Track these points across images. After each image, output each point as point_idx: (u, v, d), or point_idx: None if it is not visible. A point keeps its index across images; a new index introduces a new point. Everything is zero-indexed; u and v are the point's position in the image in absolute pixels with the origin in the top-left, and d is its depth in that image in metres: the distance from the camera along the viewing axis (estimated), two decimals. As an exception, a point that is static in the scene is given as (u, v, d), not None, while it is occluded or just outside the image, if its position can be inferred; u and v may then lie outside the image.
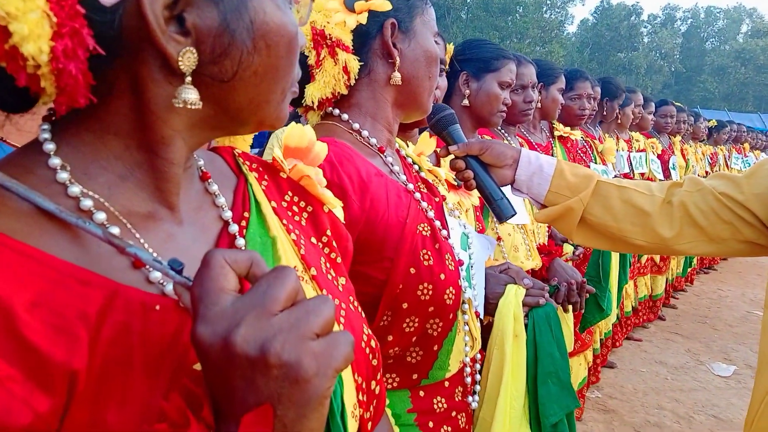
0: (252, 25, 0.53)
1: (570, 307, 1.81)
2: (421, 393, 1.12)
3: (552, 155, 2.72)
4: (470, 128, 1.92)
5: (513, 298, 1.23)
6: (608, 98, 3.72)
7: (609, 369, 4.16)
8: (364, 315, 0.75)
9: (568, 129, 2.81)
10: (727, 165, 7.00)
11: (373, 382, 0.73)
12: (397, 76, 1.07)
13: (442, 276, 1.05)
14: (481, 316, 1.19)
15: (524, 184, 1.31)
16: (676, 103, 5.39)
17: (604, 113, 3.73)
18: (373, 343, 0.72)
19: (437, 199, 1.19)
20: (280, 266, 0.47)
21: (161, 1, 0.48)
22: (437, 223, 1.11)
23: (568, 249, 2.23)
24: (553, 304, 1.27)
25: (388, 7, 1.03)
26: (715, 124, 6.95)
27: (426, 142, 1.31)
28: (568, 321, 2.35)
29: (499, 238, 1.85)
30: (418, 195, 1.12)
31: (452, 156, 1.29)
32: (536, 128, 2.69)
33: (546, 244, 2.10)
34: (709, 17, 49.96)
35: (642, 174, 4.26)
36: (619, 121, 3.92)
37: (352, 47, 1.04)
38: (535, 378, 1.23)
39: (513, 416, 1.18)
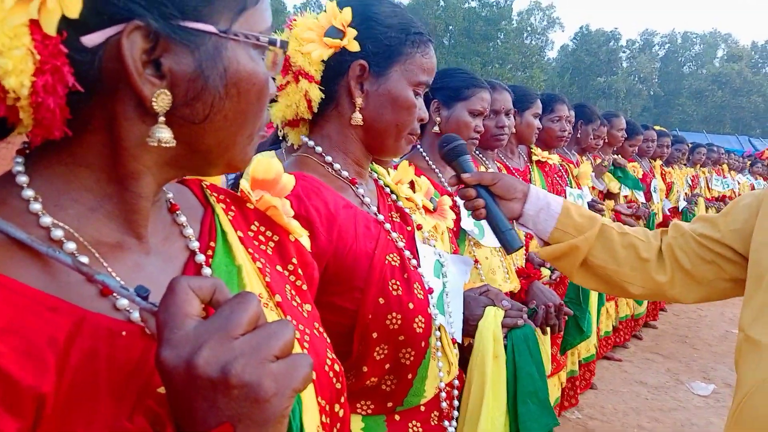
0: (225, 73, 0.56)
1: (548, 329, 1.84)
2: (397, 417, 1.14)
3: (530, 180, 2.78)
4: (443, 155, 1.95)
5: (492, 319, 1.25)
6: (582, 121, 3.79)
7: (589, 390, 4.19)
8: (329, 341, 0.78)
9: (545, 153, 2.87)
10: (708, 187, 7.12)
11: (337, 405, 0.75)
12: (357, 117, 1.10)
13: (411, 305, 1.07)
14: (459, 340, 1.21)
15: (531, 219, 1.32)
16: (658, 128, 5.51)
17: (578, 137, 3.80)
18: (336, 367, 0.74)
19: (409, 228, 1.21)
20: (243, 292, 0.49)
21: (140, 46, 0.51)
22: (407, 252, 1.14)
23: (545, 272, 2.27)
24: (531, 326, 1.29)
25: (356, 48, 1.06)
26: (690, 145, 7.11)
27: (404, 171, 1.33)
28: (545, 344, 2.38)
29: (476, 261, 1.88)
30: (388, 225, 1.15)
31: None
32: (514, 153, 2.73)
33: (524, 267, 2.13)
34: (686, 42, 51.12)
35: (625, 196, 4.34)
36: (591, 143, 4.00)
37: (321, 78, 1.08)
38: (515, 398, 1.26)
39: None
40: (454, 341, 1.21)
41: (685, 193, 5.93)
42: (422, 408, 1.16)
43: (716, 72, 44.71)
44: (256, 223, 0.76)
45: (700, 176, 6.90)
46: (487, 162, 2.35)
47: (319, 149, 1.14)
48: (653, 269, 1.30)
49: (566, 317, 2.21)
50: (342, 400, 0.76)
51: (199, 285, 0.49)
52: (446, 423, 1.19)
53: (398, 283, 1.08)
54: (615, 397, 4.16)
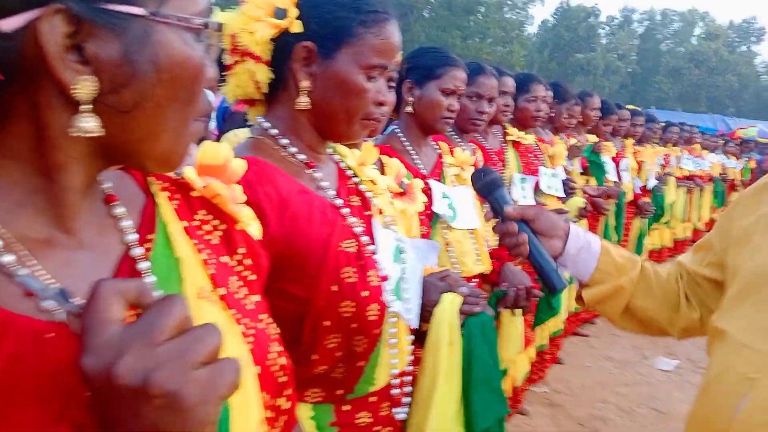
0: (155, 58, 0.53)
1: (518, 311, 1.88)
2: (346, 407, 1.14)
3: (505, 160, 2.80)
4: (419, 135, 1.96)
5: (449, 306, 1.23)
6: (557, 101, 3.81)
7: (556, 364, 4.29)
8: (278, 331, 0.77)
9: (521, 134, 2.89)
10: (679, 166, 7.23)
11: (282, 399, 0.74)
12: (302, 101, 1.06)
13: (365, 293, 1.06)
14: (415, 326, 1.20)
15: (571, 259, 1.26)
16: (631, 107, 5.57)
17: (552, 116, 3.83)
18: (282, 361, 0.73)
19: (368, 213, 1.18)
20: (169, 295, 0.48)
21: (61, 30, 0.48)
22: (364, 238, 1.12)
23: None
24: (489, 313, 1.28)
25: (298, 29, 1.02)
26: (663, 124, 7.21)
27: (368, 152, 1.31)
28: (517, 323, 2.42)
29: (447, 244, 1.89)
30: (346, 210, 1.12)
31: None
32: (488, 133, 2.75)
33: (497, 248, 2.15)
34: (665, 19, 51.29)
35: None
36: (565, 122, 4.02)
37: (271, 58, 1.05)
38: (468, 385, 1.25)
39: (446, 422, 1.21)
40: (411, 330, 1.20)
41: (657, 172, 6.03)
42: (373, 398, 1.16)
43: (693, 50, 45.03)
44: (202, 211, 0.73)
45: (672, 155, 6.99)
46: (461, 143, 2.35)
47: (274, 131, 1.11)
48: (685, 308, 1.25)
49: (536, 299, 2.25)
50: (287, 392, 0.75)
51: (124, 288, 0.47)
52: (396, 409, 1.19)
53: (353, 270, 1.06)
54: (581, 372, 4.27)
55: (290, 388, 0.76)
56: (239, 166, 0.79)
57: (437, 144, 2.06)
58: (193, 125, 0.60)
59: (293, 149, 1.11)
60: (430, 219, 1.87)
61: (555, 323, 3.69)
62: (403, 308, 1.16)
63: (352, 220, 1.12)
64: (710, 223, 9.89)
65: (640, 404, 3.86)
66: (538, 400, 3.81)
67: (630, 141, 5.32)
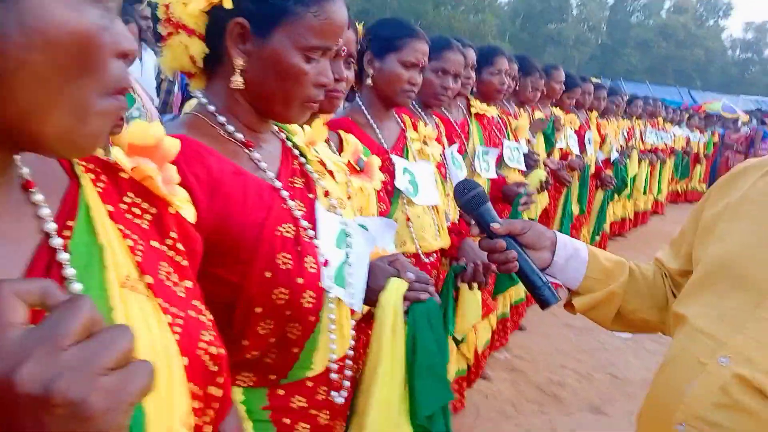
0: (21, 19, 0.47)
1: (476, 286, 1.91)
2: (280, 392, 1.11)
3: (468, 132, 2.84)
4: (381, 108, 1.94)
5: (393, 292, 1.19)
6: (522, 74, 3.84)
7: (519, 331, 4.42)
8: (211, 318, 0.74)
9: (484, 106, 2.91)
10: (642, 139, 7.37)
11: (213, 387, 0.72)
12: (236, 80, 1.01)
13: (300, 280, 1.03)
14: (359, 310, 1.19)
15: (560, 269, 1.25)
16: (594, 79, 5.63)
17: (517, 89, 3.86)
18: (213, 350, 0.70)
19: (312, 196, 1.15)
20: (75, 296, 0.45)
21: None
22: (304, 222, 1.08)
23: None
24: (435, 300, 1.23)
25: (229, 5, 0.97)
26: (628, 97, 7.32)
27: (318, 131, 1.27)
28: (476, 295, 2.45)
29: (408, 219, 1.91)
30: (285, 193, 1.08)
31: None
32: (452, 105, 2.77)
33: (457, 222, 2.18)
34: (636, -9, 51.44)
35: (561, 149, 4.46)
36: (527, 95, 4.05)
37: (207, 32, 1.01)
38: (412, 372, 1.22)
39: (389, 409, 1.19)
40: (353, 312, 1.18)
41: (620, 145, 6.14)
42: (309, 383, 1.13)
43: (662, 23, 45.36)
44: (130, 194, 0.69)
45: (636, 128, 7.12)
46: (425, 117, 2.36)
47: (211, 108, 1.06)
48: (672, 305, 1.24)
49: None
50: (219, 380, 0.73)
51: (25, 289, 0.44)
52: (334, 394, 1.17)
53: (288, 256, 1.02)
54: (543, 339, 4.40)
55: (222, 375, 0.73)
56: (172, 145, 0.75)
57: (401, 118, 2.05)
58: (103, 102, 0.54)
59: (231, 128, 1.06)
60: (391, 195, 1.86)
61: (517, 292, 3.80)
62: (346, 293, 1.13)
63: (291, 203, 1.08)
64: (671, 195, 10.17)
65: (597, 370, 4.01)
66: (500, 365, 3.93)
67: (594, 114, 5.39)
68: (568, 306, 1.30)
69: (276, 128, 1.19)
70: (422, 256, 1.95)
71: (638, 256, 6.97)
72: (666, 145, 8.55)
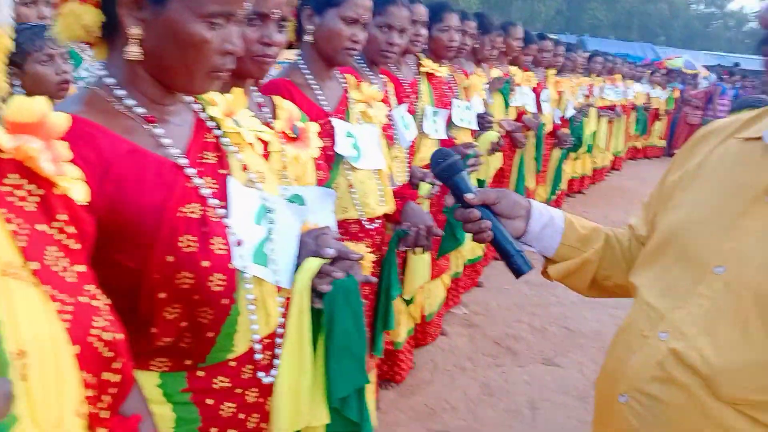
0: None
1: (420, 249, 1.90)
2: (200, 373, 1.07)
3: (418, 92, 2.82)
4: (322, 67, 1.87)
5: (304, 272, 1.15)
6: (480, 31, 3.82)
7: (477, 288, 4.52)
8: (107, 302, 0.73)
9: (435, 65, 2.88)
10: (601, 96, 7.43)
11: (109, 373, 0.71)
12: (131, 51, 0.95)
13: (206, 263, 0.98)
14: (288, 286, 1.15)
15: (535, 237, 1.24)
16: (553, 36, 5.63)
17: (475, 47, 3.84)
18: (107, 335, 0.69)
19: (224, 171, 1.09)
20: None
21: None
22: (214, 201, 1.03)
23: (425, 188, 2.32)
24: (354, 278, 1.18)
25: None
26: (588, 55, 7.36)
27: (237, 101, 1.20)
28: (424, 257, 2.48)
29: (350, 186, 1.87)
30: (192, 170, 1.02)
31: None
32: (402, 64, 2.73)
33: (401, 186, 2.17)
34: (603, -56, 50.95)
35: (516, 108, 4.47)
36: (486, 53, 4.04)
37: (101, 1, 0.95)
38: (328, 352, 1.20)
39: (302, 391, 1.16)
40: (279, 289, 1.15)
41: (579, 103, 6.18)
42: (233, 363, 1.09)
43: (628, -23, 45.20)
44: (14, 175, 0.66)
45: (595, 85, 7.17)
46: (371, 76, 2.31)
47: (110, 81, 1.00)
48: None
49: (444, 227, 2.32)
50: (116, 366, 0.71)
51: None
52: (261, 374, 1.13)
53: (193, 238, 0.97)
54: (500, 294, 4.51)
55: (119, 360, 0.71)
56: (60, 120, 0.72)
57: (344, 77, 1.99)
58: None
59: (130, 102, 1.00)
60: (331, 160, 1.82)
61: (472, 251, 3.86)
62: (269, 271, 1.10)
63: (198, 181, 1.02)
64: (630, 151, 10.34)
65: (551, 323, 4.13)
66: (457, 321, 4.03)
67: (551, 72, 5.41)
68: (545, 273, 1.31)
69: (190, 99, 1.13)
70: (365, 223, 1.93)
71: (596, 211, 7.12)
72: (627, 100, 8.65)
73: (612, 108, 7.41)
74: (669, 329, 1.01)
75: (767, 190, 0.96)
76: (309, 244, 1.20)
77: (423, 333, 3.39)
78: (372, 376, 2.28)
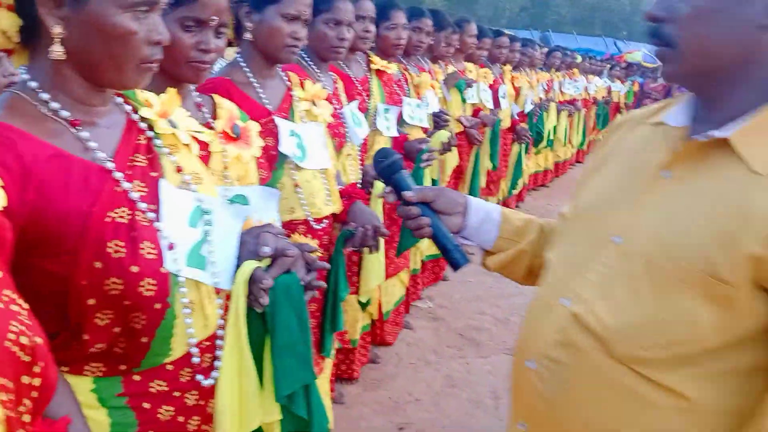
0: None
1: (366, 250, 1.91)
2: (136, 377, 1.06)
3: (369, 89, 2.86)
4: (263, 65, 1.85)
5: (240, 274, 1.15)
6: (436, 29, 3.87)
7: (443, 282, 4.58)
8: (25, 308, 0.73)
9: (385, 63, 2.92)
10: (561, 91, 7.57)
11: (27, 377, 0.71)
12: (55, 50, 0.93)
13: (135, 268, 0.97)
14: (228, 287, 1.16)
15: (474, 231, 1.30)
16: (509, 33, 5.73)
17: (431, 44, 3.88)
18: (24, 340, 0.69)
19: (155, 174, 1.07)
20: None
21: None
22: (143, 204, 1.02)
23: (379, 186, 2.32)
24: (296, 275, 1.19)
25: None
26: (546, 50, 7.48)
27: (171, 101, 1.18)
28: (378, 257, 2.49)
29: (296, 185, 1.85)
30: (120, 174, 1.01)
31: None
32: (351, 61, 2.73)
33: (349, 186, 2.16)
34: (565, -59, 51.57)
35: (473, 104, 4.54)
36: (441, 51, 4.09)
37: (15, 2, 0.93)
38: (272, 351, 1.20)
39: (246, 394, 1.17)
40: (218, 291, 1.15)
41: (539, 98, 6.29)
42: (170, 367, 1.09)
43: (590, -27, 45.84)
44: None
45: (555, 80, 7.29)
46: (319, 73, 2.31)
47: (33, 84, 0.98)
48: None
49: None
50: (36, 369, 0.72)
51: None
52: (201, 377, 1.13)
53: (122, 243, 0.96)
54: (463, 287, 4.58)
55: (39, 364, 0.72)
56: None
57: (287, 75, 1.95)
58: None
59: (55, 105, 0.98)
60: (275, 160, 1.78)
61: (430, 248, 3.92)
62: (207, 273, 1.10)
63: (127, 185, 1.01)
64: (592, 145, 10.52)
65: (514, 313, 4.21)
66: (422, 315, 4.09)
67: (508, 67, 5.49)
68: (485, 265, 1.38)
69: (121, 100, 1.11)
70: (313, 223, 1.92)
71: (559, 204, 7.24)
72: (589, 94, 8.81)
73: (572, 102, 7.54)
74: (571, 296, 1.07)
75: (661, 166, 1.03)
76: (249, 243, 1.20)
77: (382, 331, 3.42)
78: (328, 372, 2.30)
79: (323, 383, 2.22)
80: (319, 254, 1.71)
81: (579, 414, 1.04)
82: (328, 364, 2.46)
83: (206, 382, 1.14)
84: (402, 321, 3.72)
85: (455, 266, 1.28)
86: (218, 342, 1.16)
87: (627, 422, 1.00)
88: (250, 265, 1.16)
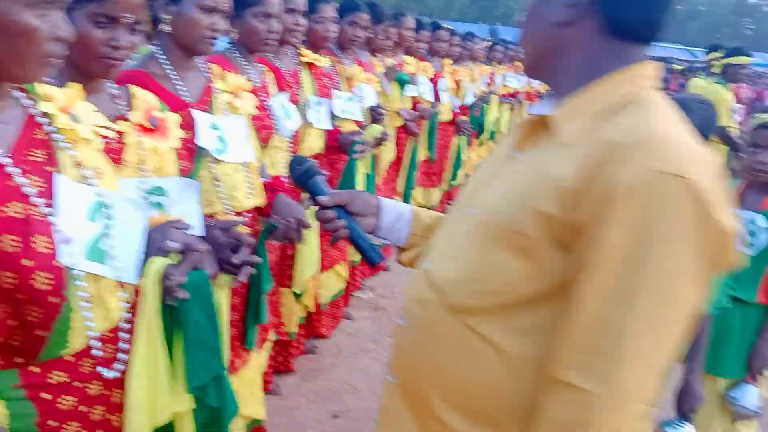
0: None
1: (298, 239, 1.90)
2: (35, 369, 1.07)
3: (300, 82, 2.87)
4: (182, 57, 1.84)
5: (145, 271, 1.17)
6: (373, 22, 3.89)
7: (384, 272, 4.63)
8: None
9: (316, 56, 2.93)
10: (504, 84, 7.67)
11: None
12: None
13: (28, 262, 0.98)
14: (134, 281, 1.17)
15: (387, 230, 1.39)
16: (448, 26, 5.79)
17: (370, 37, 3.90)
18: None
19: (50, 169, 1.08)
20: None
21: None
22: (39, 199, 1.03)
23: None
24: (204, 271, 1.22)
25: None
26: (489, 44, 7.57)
27: (73, 95, 1.18)
28: (311, 246, 2.52)
29: (216, 179, 1.85)
30: (15, 169, 1.02)
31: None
32: (281, 53, 2.73)
33: (272, 179, 2.15)
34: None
35: (413, 97, 4.58)
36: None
37: None
38: (183, 345, 1.23)
39: (158, 389, 1.19)
40: (122, 284, 1.16)
41: (481, 91, 6.37)
42: (70, 358, 1.10)
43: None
44: None
45: (497, 74, 7.40)
46: (246, 66, 2.31)
47: None
48: None
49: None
50: None
51: None
52: (103, 369, 1.14)
53: (16, 237, 0.98)
54: (406, 277, 4.61)
55: None
56: None
57: (208, 67, 1.94)
58: None
59: None
60: (193, 153, 1.77)
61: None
62: (108, 267, 1.11)
63: (21, 179, 1.02)
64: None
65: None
66: (363, 305, 4.13)
67: (448, 61, 5.55)
68: (399, 260, 1.46)
69: (22, 95, 1.11)
70: (233, 217, 1.90)
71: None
72: (532, 87, 8.96)
73: (514, 95, 7.66)
74: (428, 257, 1.20)
75: (514, 147, 1.16)
76: (156, 240, 1.21)
77: (318, 323, 3.45)
78: (259, 363, 2.31)
79: (253, 375, 2.23)
80: (247, 232, 1.71)
81: (429, 364, 1.13)
82: (264, 356, 2.48)
83: (109, 374, 1.15)
84: (341, 314, 3.75)
85: (371, 263, 1.37)
86: (121, 335, 1.17)
87: (461, 371, 1.09)
88: (160, 260, 1.18)
